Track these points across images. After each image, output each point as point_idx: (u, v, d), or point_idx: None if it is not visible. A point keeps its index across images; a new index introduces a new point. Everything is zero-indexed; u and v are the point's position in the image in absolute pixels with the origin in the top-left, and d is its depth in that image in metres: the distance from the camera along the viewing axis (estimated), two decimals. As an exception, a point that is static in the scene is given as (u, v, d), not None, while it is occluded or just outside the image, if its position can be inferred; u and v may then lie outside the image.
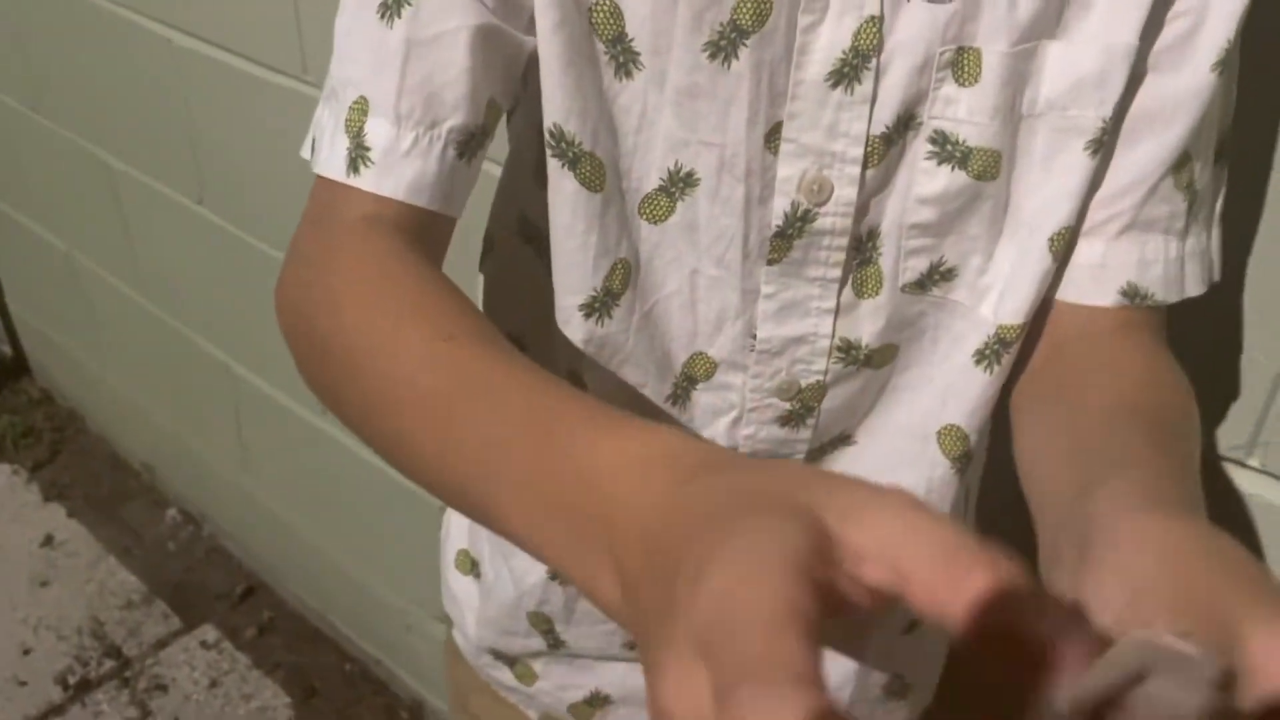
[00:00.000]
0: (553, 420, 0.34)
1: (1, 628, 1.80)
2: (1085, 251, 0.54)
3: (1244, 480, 0.71)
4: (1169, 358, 0.55)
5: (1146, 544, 0.35)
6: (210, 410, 1.76)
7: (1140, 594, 0.33)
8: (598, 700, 0.72)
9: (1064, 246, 0.53)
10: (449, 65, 0.48)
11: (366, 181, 0.48)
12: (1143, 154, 0.51)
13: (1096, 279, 0.54)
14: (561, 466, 0.32)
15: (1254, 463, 0.71)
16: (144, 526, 2.03)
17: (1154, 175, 0.52)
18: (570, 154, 0.50)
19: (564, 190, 0.51)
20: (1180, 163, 0.52)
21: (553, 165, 0.51)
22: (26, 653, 1.76)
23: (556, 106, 0.49)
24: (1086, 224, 0.54)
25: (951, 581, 0.25)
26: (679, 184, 0.52)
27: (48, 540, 1.97)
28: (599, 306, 0.54)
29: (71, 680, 1.72)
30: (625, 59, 0.49)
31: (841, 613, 0.25)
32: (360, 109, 0.49)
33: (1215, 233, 0.55)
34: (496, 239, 0.63)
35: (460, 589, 0.74)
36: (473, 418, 0.38)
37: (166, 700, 1.69)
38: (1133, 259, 0.53)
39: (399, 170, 0.48)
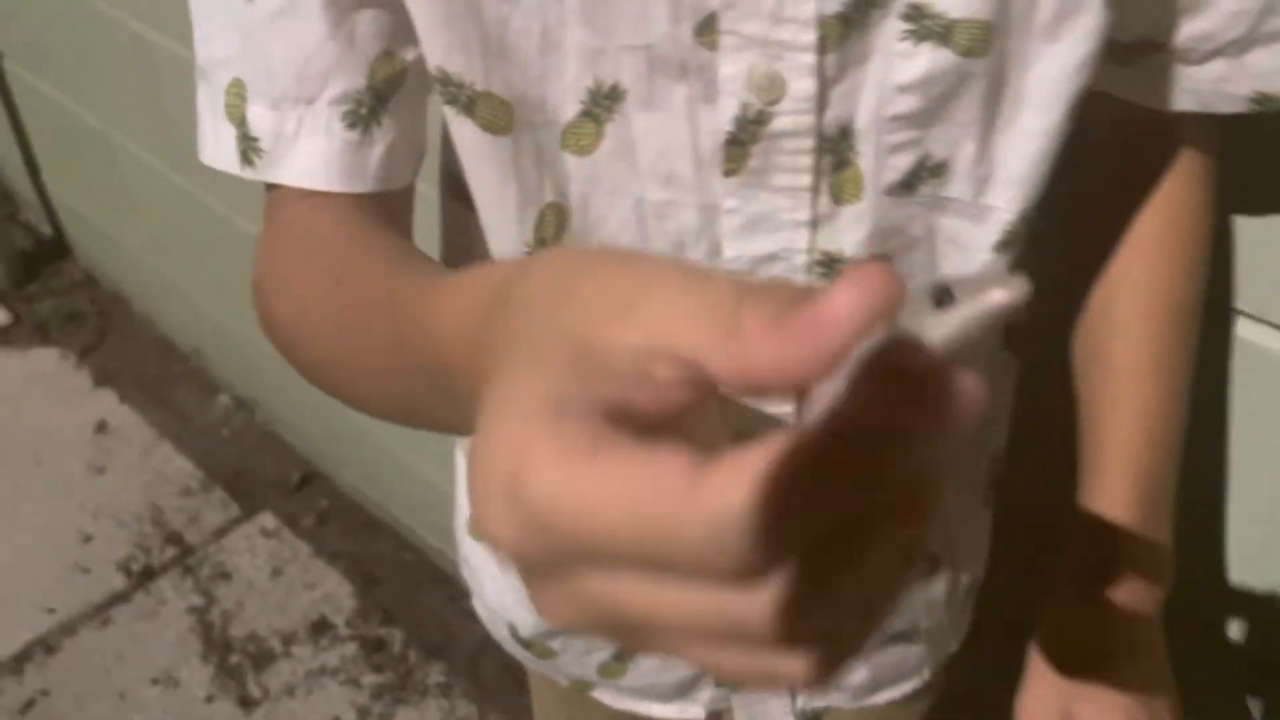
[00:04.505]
0: (406, 314, 0.37)
1: (61, 515, 1.79)
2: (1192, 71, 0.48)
3: None
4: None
5: None
6: (258, 296, 1.70)
7: None
8: (627, 652, 0.68)
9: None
10: (307, 35, 0.44)
11: (262, 173, 0.46)
12: None
13: (1218, 89, 0.49)
14: (423, 347, 0.35)
15: None
16: (196, 412, 2.01)
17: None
18: (463, 97, 0.44)
19: (466, 139, 0.46)
20: None
21: (448, 113, 0.45)
22: (87, 540, 1.76)
23: (436, 46, 0.43)
24: (1190, 55, 0.48)
25: (743, 352, 0.21)
26: (603, 103, 0.45)
27: (101, 426, 1.95)
28: None
29: (134, 568, 1.72)
30: None
31: (663, 417, 0.22)
32: (238, 94, 0.46)
33: None
34: (440, 198, 0.58)
35: (474, 555, 0.69)
36: (365, 349, 0.41)
37: (230, 588, 1.69)
38: (1258, 69, 0.47)
39: (290, 157, 0.46)
